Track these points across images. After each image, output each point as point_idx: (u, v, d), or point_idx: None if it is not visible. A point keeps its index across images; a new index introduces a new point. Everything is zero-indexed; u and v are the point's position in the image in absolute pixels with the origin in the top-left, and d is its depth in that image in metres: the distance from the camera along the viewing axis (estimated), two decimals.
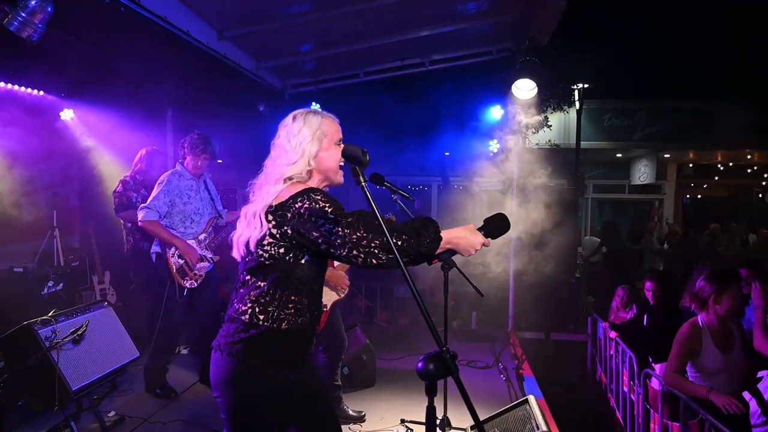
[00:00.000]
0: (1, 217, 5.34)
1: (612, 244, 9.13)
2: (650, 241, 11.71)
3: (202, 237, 4.21)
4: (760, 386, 3.76)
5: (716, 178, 13.54)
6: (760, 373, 3.85)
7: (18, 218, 5.60)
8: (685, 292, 3.62)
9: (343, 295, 3.74)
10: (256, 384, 1.85)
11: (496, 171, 7.07)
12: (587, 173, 12.10)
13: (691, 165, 12.84)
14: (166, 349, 4.28)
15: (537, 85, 5.89)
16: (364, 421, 3.90)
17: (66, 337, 3.27)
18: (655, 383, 4.05)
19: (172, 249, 4.05)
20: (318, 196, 1.79)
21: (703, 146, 11.40)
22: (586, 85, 8.46)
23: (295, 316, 1.88)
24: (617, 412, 5.05)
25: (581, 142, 8.92)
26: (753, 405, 3.68)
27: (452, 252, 1.85)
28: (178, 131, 6.25)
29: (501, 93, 6.53)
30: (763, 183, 13.65)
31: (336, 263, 3.66)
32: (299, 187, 1.84)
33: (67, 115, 5.97)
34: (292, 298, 1.87)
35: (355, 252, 1.71)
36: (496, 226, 1.93)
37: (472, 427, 3.34)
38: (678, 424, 3.65)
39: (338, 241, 1.71)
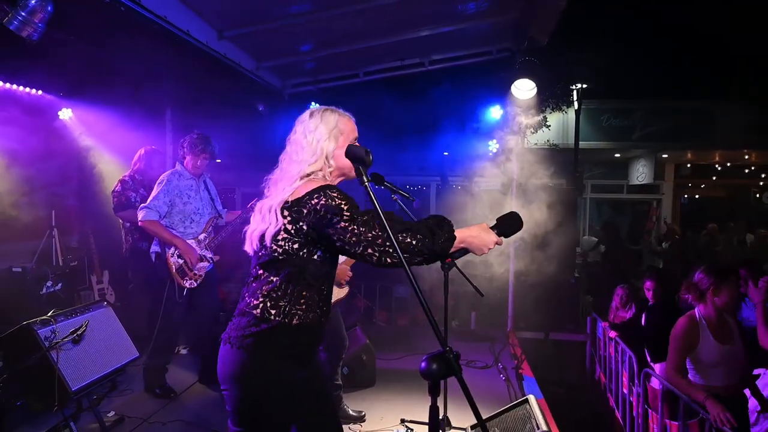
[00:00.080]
0: None
1: (611, 243, 9.15)
2: (649, 241, 11.74)
3: (201, 237, 4.21)
4: (759, 383, 3.78)
5: (714, 178, 13.58)
6: (757, 371, 3.87)
7: (16, 218, 5.59)
8: (683, 283, 3.62)
9: (343, 295, 3.74)
10: (266, 378, 1.85)
11: (495, 171, 7.07)
12: (586, 173, 12.13)
13: (689, 165, 12.87)
14: (165, 349, 4.28)
15: (536, 86, 5.90)
16: (364, 420, 3.90)
17: (65, 337, 3.26)
18: (654, 383, 4.06)
19: (172, 249, 4.04)
20: (334, 193, 1.79)
21: (701, 146, 11.44)
22: (584, 86, 8.48)
23: (307, 312, 1.89)
24: (617, 412, 5.06)
25: (580, 142, 8.94)
26: (753, 402, 3.70)
27: (465, 251, 1.86)
28: (177, 131, 6.25)
29: (500, 93, 6.54)
30: (761, 183, 13.69)
31: (342, 258, 3.65)
32: (315, 184, 1.84)
33: (65, 114, 5.97)
34: (304, 293, 1.88)
35: (369, 250, 1.72)
36: (508, 224, 1.94)
37: (472, 427, 3.34)
38: (677, 423, 3.66)
39: (353, 239, 1.72)
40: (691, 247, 10.31)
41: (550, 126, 8.04)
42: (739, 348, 3.42)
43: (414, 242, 1.72)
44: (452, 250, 1.80)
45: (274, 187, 1.95)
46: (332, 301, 3.64)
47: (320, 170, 1.94)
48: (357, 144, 1.99)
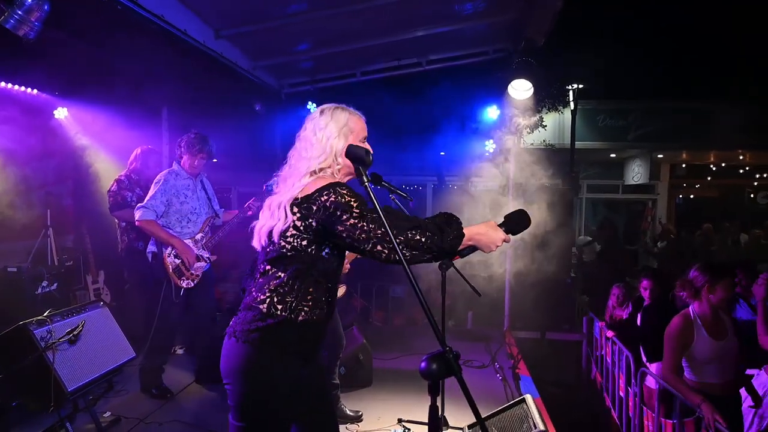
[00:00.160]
0: None
1: (608, 243, 9.17)
2: (644, 241, 11.78)
3: (198, 236, 4.20)
4: (754, 383, 3.79)
5: (709, 178, 13.63)
6: (750, 371, 3.89)
7: (11, 217, 5.56)
8: (678, 281, 3.63)
9: (341, 294, 3.74)
10: (272, 374, 1.86)
11: (491, 171, 7.09)
12: (582, 173, 12.15)
13: (684, 165, 12.91)
14: (162, 350, 4.26)
15: (533, 86, 5.92)
16: (361, 420, 3.90)
17: (62, 338, 3.25)
18: (650, 382, 4.07)
19: (169, 249, 4.03)
20: (344, 190, 1.80)
21: (696, 147, 11.48)
22: (580, 86, 8.49)
23: (313, 308, 1.89)
24: (613, 411, 5.07)
25: (576, 143, 8.95)
26: (749, 401, 3.72)
27: (473, 248, 1.87)
28: (173, 130, 6.23)
29: (497, 93, 6.55)
30: (755, 183, 13.75)
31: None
32: (325, 181, 1.85)
33: (61, 113, 5.94)
34: (311, 290, 1.88)
35: (379, 247, 1.73)
36: (516, 222, 1.95)
37: (469, 426, 3.35)
38: (671, 422, 3.68)
39: (363, 235, 1.73)
40: (687, 247, 10.35)
41: (546, 126, 8.08)
42: (733, 344, 3.44)
43: (423, 239, 1.73)
44: (461, 247, 1.82)
45: (283, 184, 1.96)
46: None
47: (329, 167, 1.96)
48: (365, 143, 2.02)
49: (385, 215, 1.70)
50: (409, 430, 3.73)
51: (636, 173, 12.13)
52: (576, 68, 8.01)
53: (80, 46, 4.35)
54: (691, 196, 14.67)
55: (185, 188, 4.13)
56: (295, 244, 1.85)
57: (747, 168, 13.13)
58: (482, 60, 6.68)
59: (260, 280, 1.93)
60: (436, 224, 1.77)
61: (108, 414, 3.82)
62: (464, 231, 1.80)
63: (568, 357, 6.87)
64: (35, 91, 5.51)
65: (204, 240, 4.23)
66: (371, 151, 1.98)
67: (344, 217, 1.75)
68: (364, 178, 1.72)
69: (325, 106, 2.05)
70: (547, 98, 7.87)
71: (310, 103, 7.22)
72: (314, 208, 1.80)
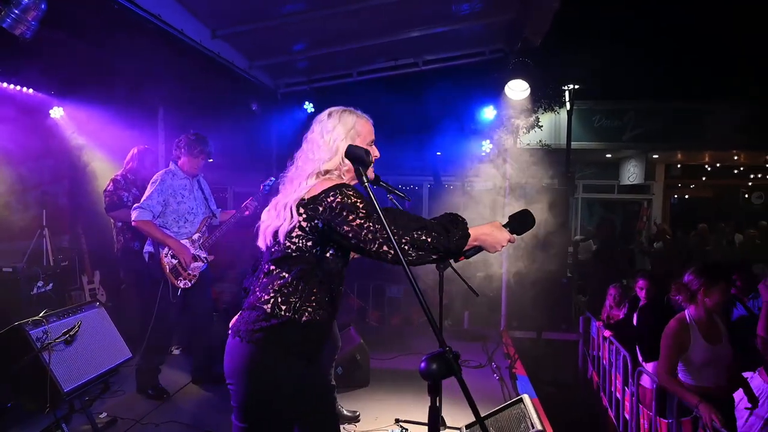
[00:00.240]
0: None
1: (606, 243, 9.18)
2: (640, 241, 11.83)
3: (195, 236, 4.19)
4: (751, 384, 3.81)
5: (703, 178, 13.71)
6: (745, 374, 3.91)
7: (7, 218, 5.53)
8: (673, 285, 3.64)
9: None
10: (276, 374, 1.86)
11: (487, 171, 7.10)
12: (577, 173, 12.19)
13: (679, 165, 12.98)
14: (158, 350, 4.25)
15: (529, 86, 5.93)
16: (358, 421, 3.89)
17: (58, 338, 3.23)
18: (647, 382, 4.09)
19: (166, 249, 4.02)
20: (350, 191, 1.81)
21: (691, 147, 11.55)
22: (576, 86, 8.53)
23: (317, 309, 1.90)
24: (610, 411, 5.09)
25: (572, 143, 8.99)
26: (744, 402, 3.74)
27: (479, 249, 1.88)
28: (169, 130, 6.21)
29: (494, 93, 6.57)
30: (749, 184, 13.83)
31: None
32: (331, 182, 1.86)
33: (56, 113, 5.91)
34: (315, 290, 1.89)
35: (385, 248, 1.73)
36: (521, 222, 1.96)
37: (467, 426, 3.35)
38: (666, 421, 3.70)
39: (369, 236, 1.73)
40: (682, 248, 10.40)
41: (542, 126, 8.10)
42: (727, 348, 3.45)
43: (429, 239, 1.73)
44: (466, 248, 1.82)
45: (289, 185, 1.97)
46: None
47: (336, 169, 1.97)
48: (373, 146, 2.04)
49: (390, 216, 1.70)
50: (406, 430, 3.72)
51: (631, 173, 12.18)
52: (572, 69, 8.05)
53: (77, 45, 4.33)
54: (686, 196, 14.75)
55: (182, 188, 4.12)
56: (300, 244, 1.86)
57: (741, 168, 13.20)
58: (479, 60, 6.70)
59: (264, 279, 1.93)
60: (441, 224, 1.78)
61: (104, 415, 3.80)
62: (470, 231, 1.81)
63: (565, 357, 6.88)
64: (31, 90, 5.48)
65: (201, 240, 4.22)
66: (375, 154, 2.02)
67: (350, 217, 1.75)
68: (364, 178, 1.72)
69: (333, 108, 2.06)
70: (543, 98, 7.90)
71: (306, 102, 7.23)
72: (320, 208, 1.80)
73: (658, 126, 10.89)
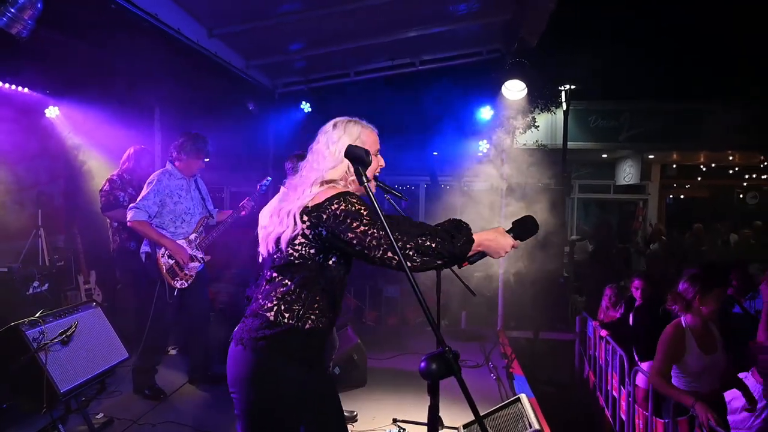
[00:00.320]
0: None
1: (603, 243, 9.22)
2: (635, 241, 11.86)
3: (192, 237, 4.18)
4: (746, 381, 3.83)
5: (699, 178, 13.75)
6: (740, 375, 3.93)
7: (2, 217, 5.51)
8: (669, 295, 3.64)
9: None
10: (278, 381, 1.87)
11: (484, 171, 7.11)
12: (573, 173, 12.22)
13: (674, 166, 13.02)
14: (155, 350, 4.24)
15: (526, 86, 5.94)
16: (356, 420, 3.89)
17: (54, 339, 3.22)
18: (641, 381, 4.10)
19: (162, 249, 4.01)
20: (354, 199, 1.82)
21: (686, 147, 11.59)
22: (573, 87, 8.55)
23: (319, 317, 1.91)
24: (606, 410, 5.11)
25: (568, 143, 9.00)
26: (733, 403, 3.76)
27: (483, 255, 1.89)
28: (166, 130, 6.20)
29: (491, 94, 6.58)
30: (744, 184, 13.88)
31: None
32: (335, 191, 1.86)
33: (52, 112, 5.89)
34: (317, 298, 1.90)
35: (390, 254, 1.73)
36: (524, 228, 1.98)
37: (464, 426, 3.35)
38: (662, 421, 3.71)
39: (374, 242, 1.74)
40: (677, 248, 10.43)
41: (538, 126, 8.11)
42: (722, 356, 3.46)
43: (434, 245, 1.74)
44: (470, 253, 1.83)
45: (293, 192, 1.97)
46: None
47: (342, 179, 1.98)
48: (378, 156, 2.07)
49: (394, 222, 1.71)
50: (404, 430, 3.72)
51: (627, 173, 12.22)
52: (568, 69, 8.06)
53: (73, 45, 4.32)
54: (682, 197, 14.79)
55: (179, 188, 4.11)
56: (303, 252, 1.87)
57: (736, 168, 13.25)
58: (476, 60, 6.71)
59: (266, 287, 1.94)
60: (445, 230, 1.79)
61: (101, 415, 3.79)
62: (474, 237, 1.82)
63: (562, 356, 6.90)
64: (26, 89, 5.46)
65: (198, 240, 4.22)
66: (381, 164, 2.06)
67: (354, 224, 1.76)
68: (364, 179, 1.72)
69: (338, 119, 2.07)
70: (539, 99, 7.91)
71: (303, 102, 7.22)
72: (324, 216, 1.80)
73: (653, 126, 10.93)
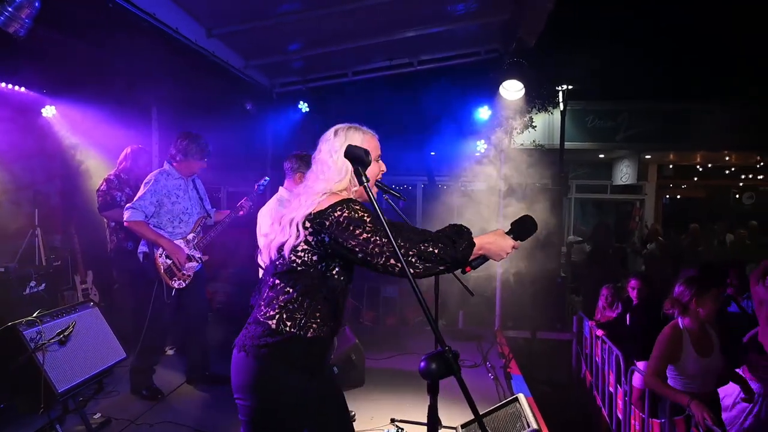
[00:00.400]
0: None
1: (601, 243, 9.23)
2: (632, 241, 11.89)
3: (190, 237, 4.17)
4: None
5: (695, 179, 13.79)
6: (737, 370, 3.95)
7: None
8: (666, 300, 3.66)
9: None
10: (280, 388, 1.88)
11: (482, 171, 7.12)
12: (570, 173, 12.24)
13: (671, 166, 13.05)
14: (153, 350, 4.23)
15: (524, 86, 5.95)
16: (354, 421, 3.88)
17: (52, 339, 3.21)
18: (637, 382, 4.12)
19: (160, 249, 4.00)
20: (356, 206, 1.82)
21: (683, 147, 11.61)
22: (570, 87, 8.56)
23: (321, 325, 1.91)
24: (603, 409, 5.12)
25: (565, 143, 9.02)
26: (727, 399, 3.78)
27: (485, 258, 1.89)
28: (163, 129, 6.19)
29: (489, 94, 6.58)
30: (741, 184, 13.92)
31: None
32: (338, 198, 1.87)
33: (49, 112, 5.87)
34: (320, 306, 1.90)
35: (392, 261, 1.73)
36: (523, 228, 1.98)
37: (463, 426, 3.36)
38: (658, 421, 3.72)
39: (376, 249, 1.74)
40: (674, 248, 10.46)
41: (536, 126, 8.12)
42: (718, 359, 3.47)
43: (436, 251, 1.75)
44: (472, 257, 1.84)
45: (296, 200, 1.97)
46: None
47: (346, 189, 1.98)
48: (380, 161, 2.09)
49: (396, 229, 1.72)
50: (402, 429, 3.73)
51: (624, 174, 12.24)
52: (566, 69, 8.07)
53: (70, 44, 4.30)
54: (678, 197, 14.83)
55: (177, 188, 4.10)
56: (306, 259, 1.87)
57: (733, 168, 13.29)
58: (474, 60, 6.72)
59: (269, 293, 1.94)
60: (447, 235, 1.80)
61: (98, 415, 3.78)
62: (474, 240, 1.83)
63: (559, 356, 6.91)
64: (23, 88, 5.43)
65: (195, 240, 4.21)
66: (382, 169, 2.09)
67: (357, 231, 1.76)
68: (363, 179, 1.73)
69: (338, 126, 2.06)
70: (537, 99, 7.92)
71: (301, 102, 7.21)
72: (327, 223, 1.81)
73: (650, 127, 10.94)
